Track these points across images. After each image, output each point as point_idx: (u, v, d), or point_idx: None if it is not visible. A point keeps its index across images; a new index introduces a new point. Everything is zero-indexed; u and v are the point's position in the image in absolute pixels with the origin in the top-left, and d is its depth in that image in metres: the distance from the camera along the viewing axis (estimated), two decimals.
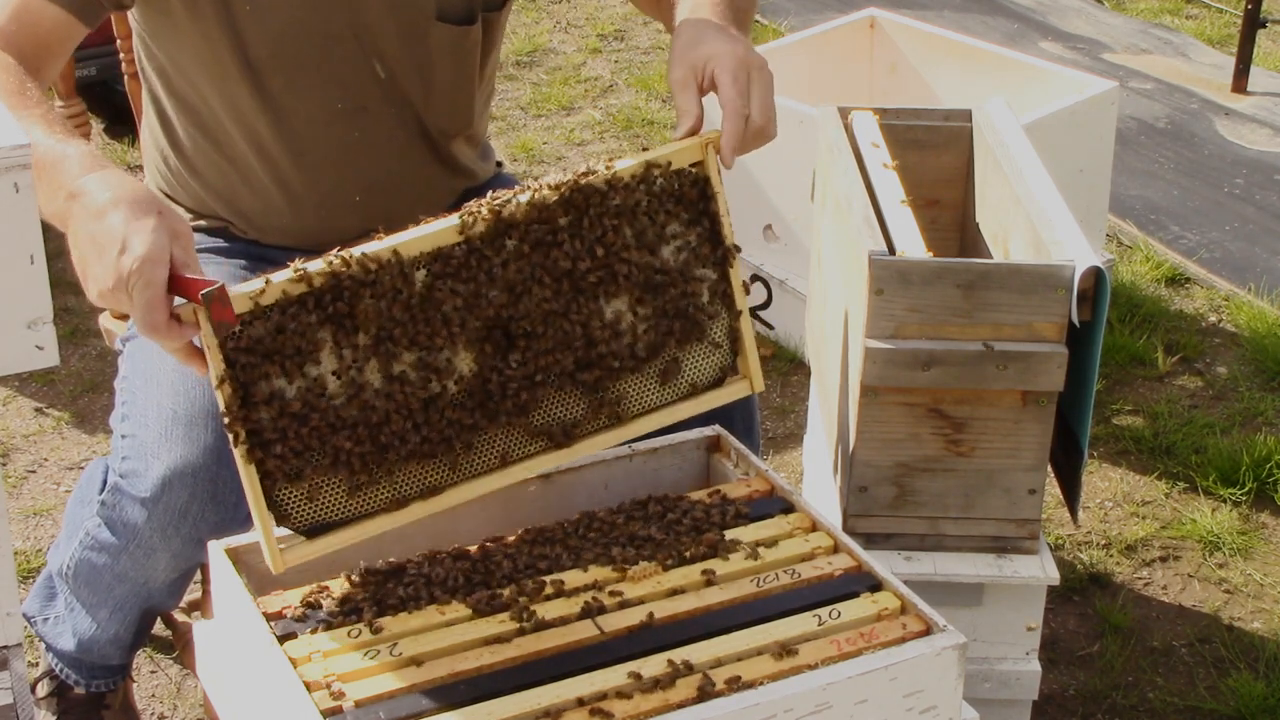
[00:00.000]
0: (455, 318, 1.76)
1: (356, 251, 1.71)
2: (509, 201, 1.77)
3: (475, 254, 1.76)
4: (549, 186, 1.78)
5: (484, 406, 1.78)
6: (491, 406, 1.78)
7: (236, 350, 1.68)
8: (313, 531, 1.74)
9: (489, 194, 1.78)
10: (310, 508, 1.73)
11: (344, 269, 1.70)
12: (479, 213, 1.76)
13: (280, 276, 1.69)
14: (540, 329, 1.79)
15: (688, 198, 1.85)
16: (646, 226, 1.83)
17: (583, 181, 1.79)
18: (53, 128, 1.78)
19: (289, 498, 1.72)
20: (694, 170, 1.85)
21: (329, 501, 1.74)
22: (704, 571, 1.77)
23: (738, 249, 1.88)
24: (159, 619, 2.57)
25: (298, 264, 1.70)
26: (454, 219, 1.75)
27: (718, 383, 1.90)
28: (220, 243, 2.31)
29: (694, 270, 1.87)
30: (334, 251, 1.71)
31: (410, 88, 2.23)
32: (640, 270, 1.83)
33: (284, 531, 1.74)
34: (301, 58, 2.15)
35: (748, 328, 1.90)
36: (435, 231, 1.75)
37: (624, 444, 1.91)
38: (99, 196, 1.65)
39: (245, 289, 1.68)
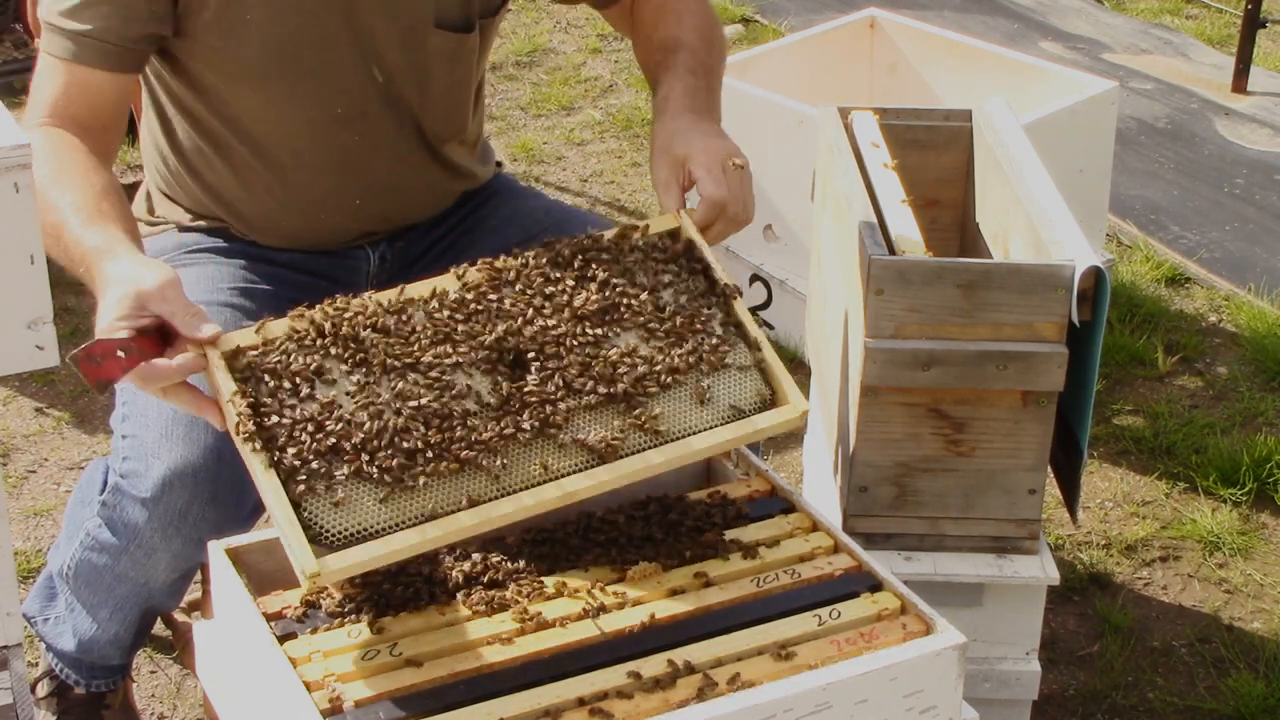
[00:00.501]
0: (461, 341, 1.77)
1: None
2: (500, 256, 1.86)
3: (472, 292, 1.83)
4: (537, 248, 1.88)
5: (509, 416, 1.75)
6: (516, 417, 1.75)
7: (245, 369, 1.70)
8: (346, 546, 1.65)
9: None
10: (338, 516, 1.66)
11: (345, 305, 1.78)
12: (471, 265, 1.85)
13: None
14: (551, 350, 1.79)
15: (673, 251, 1.91)
16: (639, 271, 1.88)
17: (565, 239, 1.88)
18: (80, 215, 1.88)
19: (317, 509, 1.66)
20: (672, 232, 1.93)
21: (359, 511, 1.67)
22: (704, 572, 1.77)
23: (739, 290, 1.90)
24: (159, 619, 2.57)
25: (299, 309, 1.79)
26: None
27: (762, 407, 1.85)
28: (219, 243, 2.31)
29: (698, 307, 1.87)
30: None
31: (408, 92, 2.23)
32: (641, 305, 1.84)
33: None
34: (301, 63, 2.15)
35: (772, 355, 1.87)
36: (433, 279, 1.84)
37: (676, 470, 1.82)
38: (101, 283, 1.79)
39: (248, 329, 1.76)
